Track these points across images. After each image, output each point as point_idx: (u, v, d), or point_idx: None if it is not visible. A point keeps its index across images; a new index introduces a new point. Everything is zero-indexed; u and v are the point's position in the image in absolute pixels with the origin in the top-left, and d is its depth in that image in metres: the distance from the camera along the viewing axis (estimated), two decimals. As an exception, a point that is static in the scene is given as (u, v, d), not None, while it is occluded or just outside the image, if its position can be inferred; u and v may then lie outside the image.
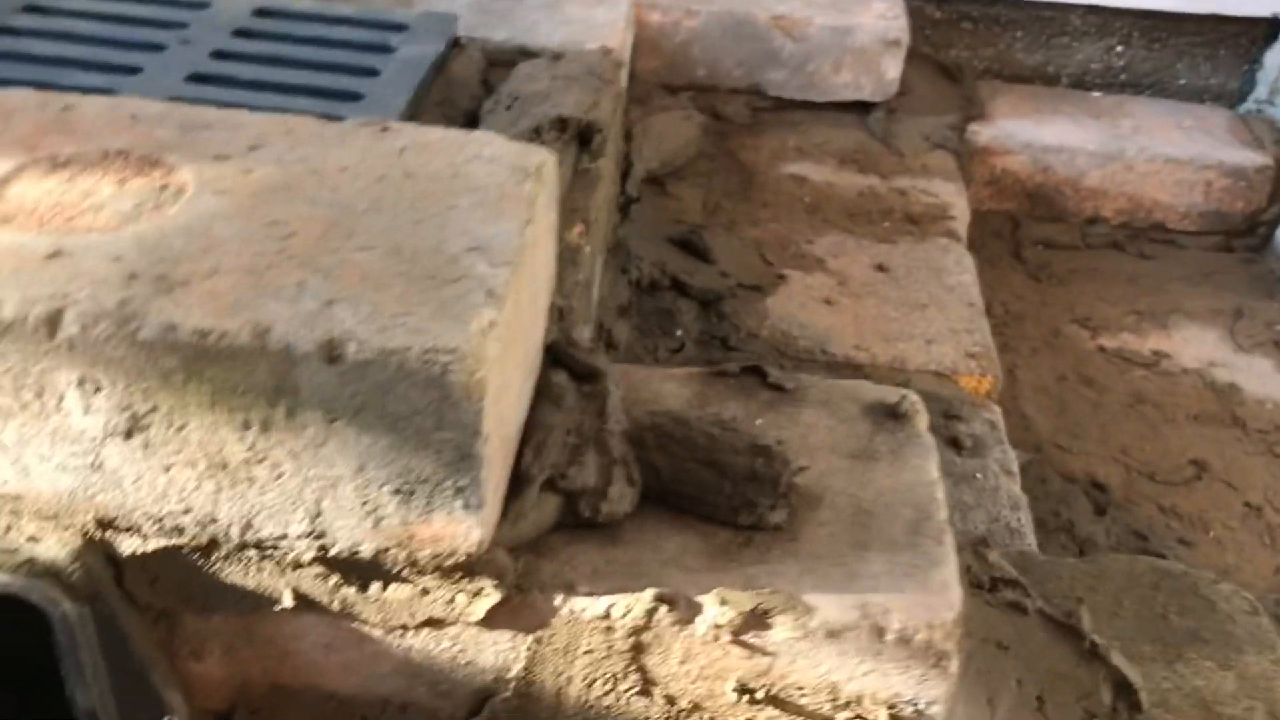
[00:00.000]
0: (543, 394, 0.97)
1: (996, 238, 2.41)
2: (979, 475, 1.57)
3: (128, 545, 0.86)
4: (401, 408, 0.78)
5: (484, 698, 0.93)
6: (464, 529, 0.83)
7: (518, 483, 0.90)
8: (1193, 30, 2.53)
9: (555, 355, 1.01)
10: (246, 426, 0.79)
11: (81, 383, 0.78)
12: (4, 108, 0.97)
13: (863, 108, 2.33)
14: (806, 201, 2.11)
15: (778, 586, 0.87)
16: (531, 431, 0.93)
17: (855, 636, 0.86)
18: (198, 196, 0.88)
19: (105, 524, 0.85)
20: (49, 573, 0.84)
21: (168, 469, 0.82)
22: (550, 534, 0.92)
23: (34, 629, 1.12)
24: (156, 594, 0.88)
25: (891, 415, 1.05)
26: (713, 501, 0.93)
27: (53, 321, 0.77)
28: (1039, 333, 2.20)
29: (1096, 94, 2.56)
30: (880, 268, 1.97)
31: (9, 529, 0.85)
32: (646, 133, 2.11)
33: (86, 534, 0.85)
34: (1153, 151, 2.36)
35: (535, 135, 1.28)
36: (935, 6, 2.54)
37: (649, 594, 0.87)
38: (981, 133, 2.37)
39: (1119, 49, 2.56)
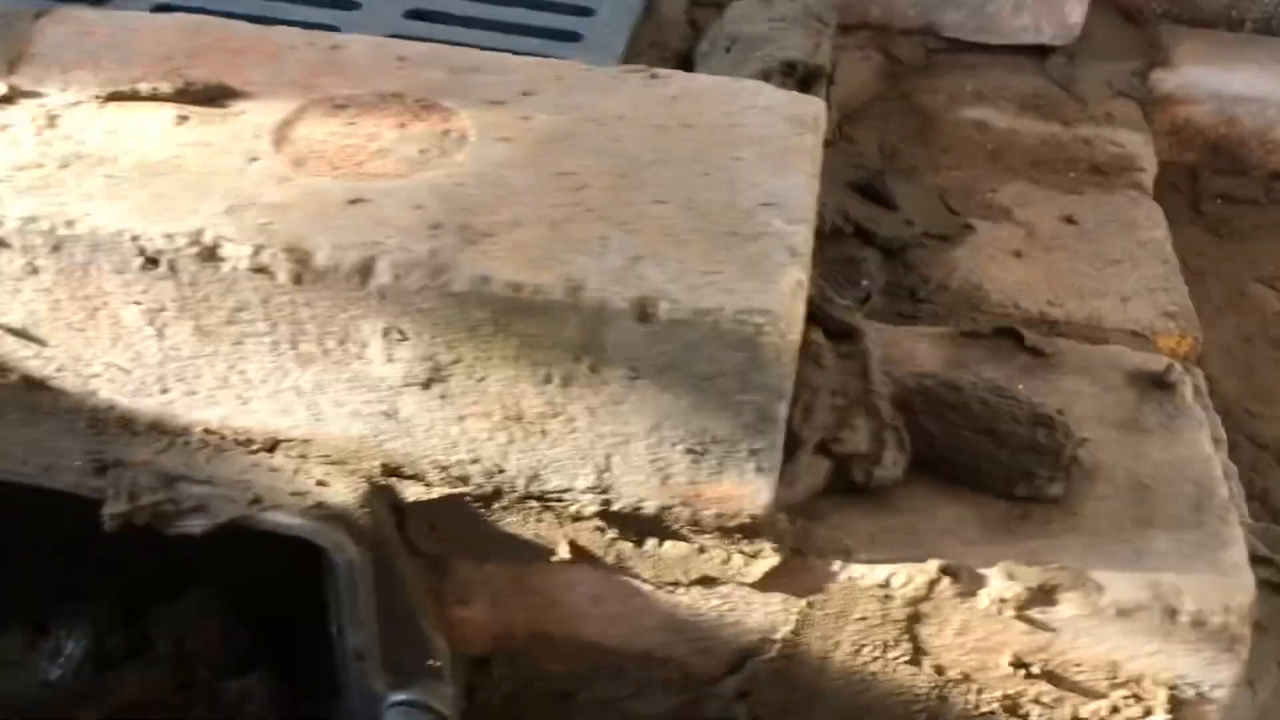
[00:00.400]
0: (803, 354, 0.95)
1: (1174, 190, 2.31)
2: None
3: (412, 493, 0.86)
4: (707, 368, 0.76)
5: (745, 657, 0.92)
6: (752, 491, 0.82)
7: (791, 444, 0.88)
8: (1397, -29, 2.38)
9: (810, 311, 0.98)
10: (547, 381, 0.78)
11: (387, 332, 0.78)
12: (274, 45, 0.97)
13: (1041, 52, 2.24)
14: (988, 148, 2.04)
15: (1063, 562, 0.85)
16: (799, 391, 0.91)
17: (1145, 616, 0.84)
18: (481, 144, 0.87)
19: (391, 471, 0.85)
20: (336, 516, 0.84)
21: (461, 419, 0.81)
22: (819, 499, 0.90)
23: (278, 562, 1.14)
24: (434, 541, 0.89)
25: (1157, 385, 1.01)
26: (988, 471, 0.91)
27: (365, 270, 0.76)
28: (1222, 291, 2.11)
29: (1286, 40, 2.43)
30: (1069, 220, 1.90)
31: (297, 471, 0.86)
32: (823, 74, 2.05)
33: (372, 480, 0.85)
34: (1352, 102, 2.24)
35: (764, 80, 1.24)
36: (1117, -54, 2.42)
37: (933, 565, 0.85)
38: (1165, 80, 2.26)
39: (1312, -8, 2.42)
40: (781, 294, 0.76)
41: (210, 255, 0.77)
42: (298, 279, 0.76)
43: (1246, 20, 2.49)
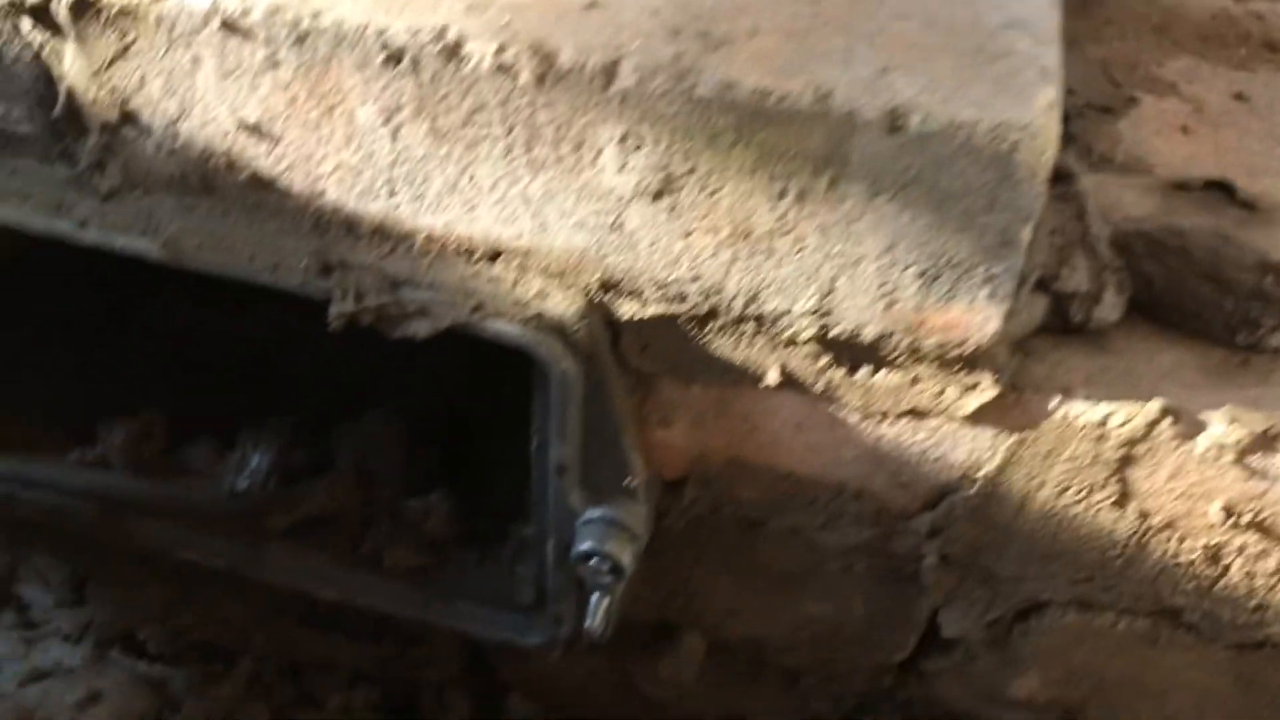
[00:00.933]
0: (1015, 191, 0.92)
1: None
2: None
3: (627, 309, 0.86)
4: (953, 185, 0.75)
5: (943, 494, 0.92)
6: (981, 319, 0.80)
7: (1009, 279, 0.86)
8: None
9: (1021, 153, 0.96)
10: (782, 196, 0.77)
11: (624, 138, 0.77)
12: None
13: (1215, -78, 2.14)
14: (1154, 21, 1.96)
15: (1291, 411, 0.83)
16: (1014, 228, 0.89)
17: (1373, 469, 0.82)
18: (712, -45, 0.85)
19: (610, 286, 0.85)
20: (554, 328, 0.85)
21: (688, 234, 0.81)
22: (1035, 336, 0.88)
23: (451, 387, 1.16)
24: (644, 360, 0.89)
25: (1381, 243, 0.97)
26: (1209, 318, 0.89)
27: (609, 72, 0.75)
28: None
29: None
30: (1238, 96, 1.82)
31: (517, 282, 0.86)
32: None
33: (590, 295, 0.86)
34: None
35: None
36: None
37: (1155, 405, 0.83)
38: (1346, -44, 2.15)
39: None
40: (1037, 111, 0.73)
41: (453, 53, 0.76)
42: (540, 79, 0.76)
43: None
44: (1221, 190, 1.01)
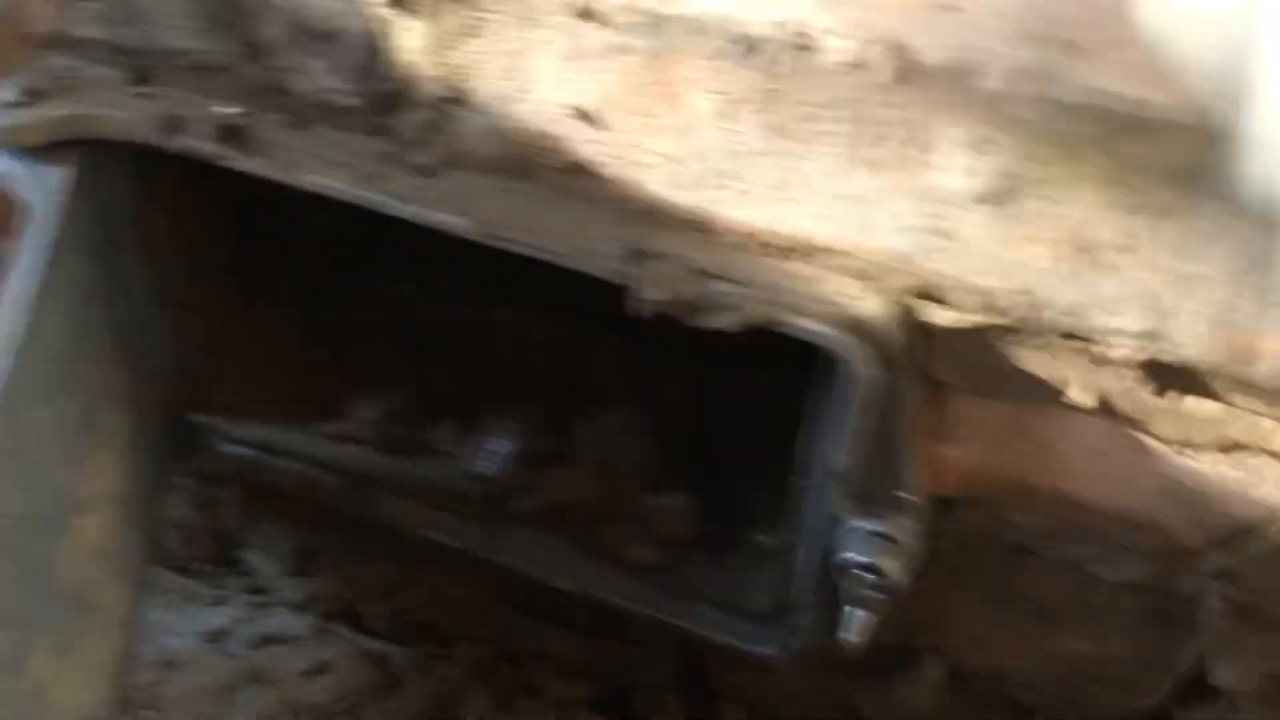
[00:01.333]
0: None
1: None
2: None
3: (943, 318, 0.85)
4: (1322, 210, 0.72)
5: (1241, 533, 0.89)
6: (1324, 354, 0.78)
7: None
8: None
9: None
10: (1137, 210, 0.76)
11: (978, 141, 0.77)
12: None
13: None
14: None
15: None
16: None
17: None
18: (1055, -33, 0.84)
19: (926, 293, 0.84)
20: (866, 333, 0.84)
21: (1025, 244, 0.80)
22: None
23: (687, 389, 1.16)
24: (948, 371, 0.88)
25: None
26: None
27: (974, 72, 0.75)
28: None
29: None
30: None
31: (830, 282, 0.86)
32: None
33: (904, 300, 0.85)
34: None
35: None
36: None
37: None
38: None
39: None
40: None
41: (812, 47, 0.76)
42: (901, 77, 0.76)
43: None
44: None
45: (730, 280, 0.87)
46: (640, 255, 0.88)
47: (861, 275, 0.85)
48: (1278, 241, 0.75)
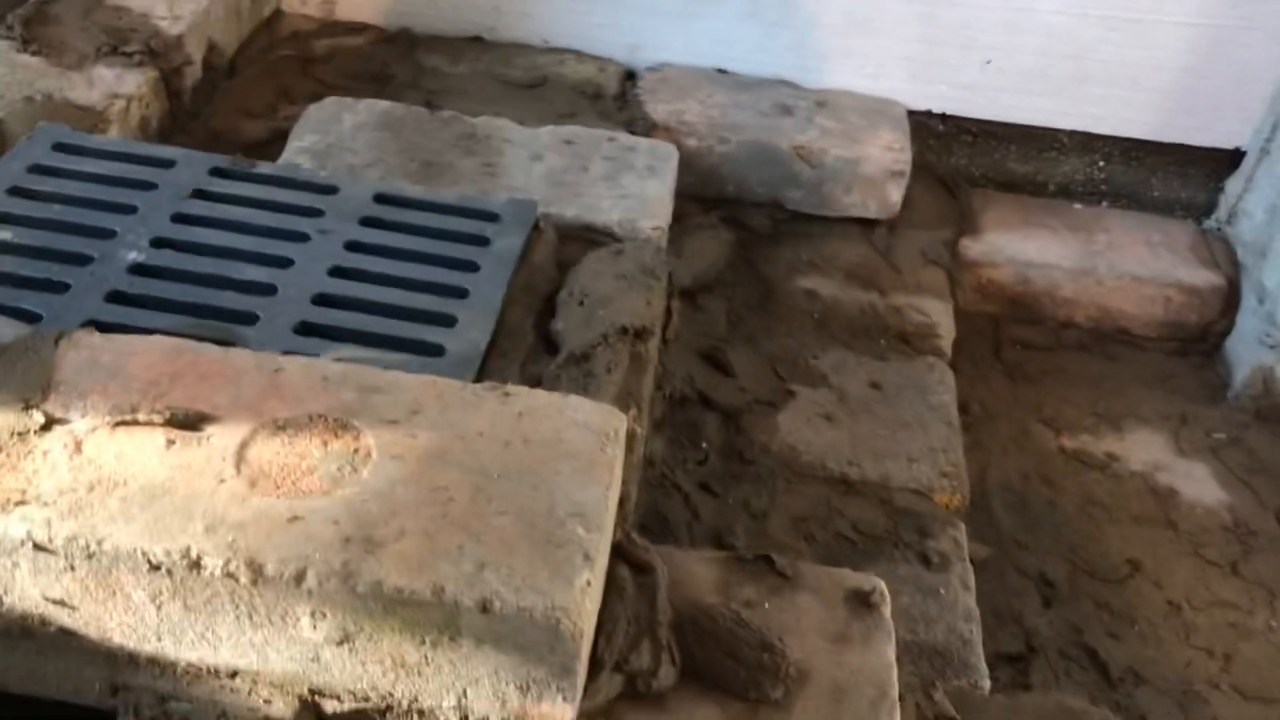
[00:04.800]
0: (610, 586, 1.35)
1: (979, 336, 2.78)
2: (942, 590, 1.95)
3: (330, 706, 1.25)
4: (526, 640, 1.16)
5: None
6: (561, 711, 1.22)
7: (595, 665, 1.28)
8: (1166, 153, 2.87)
9: (619, 551, 1.39)
10: (422, 643, 1.18)
11: (313, 613, 1.17)
12: (233, 369, 1.35)
13: (869, 223, 2.69)
14: (815, 317, 2.48)
15: (775, 749, 1.27)
16: (603, 621, 1.31)
17: (829, 787, 1.26)
18: (380, 462, 1.27)
19: (316, 693, 1.24)
20: (278, 725, 1.23)
21: (364, 664, 1.21)
22: (615, 701, 1.31)
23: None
24: (345, 738, 1.28)
25: (864, 603, 1.44)
26: (731, 682, 1.32)
27: (299, 577, 1.15)
28: (1010, 432, 2.57)
29: (1078, 206, 2.91)
30: (875, 385, 2.34)
31: (250, 693, 1.24)
32: (681, 251, 2.47)
33: (302, 699, 1.24)
34: (1121, 269, 2.72)
35: (604, 340, 1.65)
36: (939, 122, 2.89)
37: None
38: (972, 247, 2.73)
39: (1101, 164, 2.91)
40: (575, 594, 1.16)
41: (196, 565, 1.15)
42: (254, 582, 1.15)
43: (1050, 184, 2.97)
44: (766, 561, 1.46)
45: (182, 699, 1.24)
46: (116, 688, 1.24)
47: (272, 686, 1.24)
48: (512, 658, 1.18)
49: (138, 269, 1.70)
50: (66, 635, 1.23)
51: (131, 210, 1.80)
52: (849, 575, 1.48)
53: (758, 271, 2.57)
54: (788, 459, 2.16)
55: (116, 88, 2.15)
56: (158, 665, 1.24)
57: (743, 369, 2.33)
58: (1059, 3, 2.66)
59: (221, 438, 1.27)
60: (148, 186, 1.85)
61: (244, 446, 1.27)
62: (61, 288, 1.65)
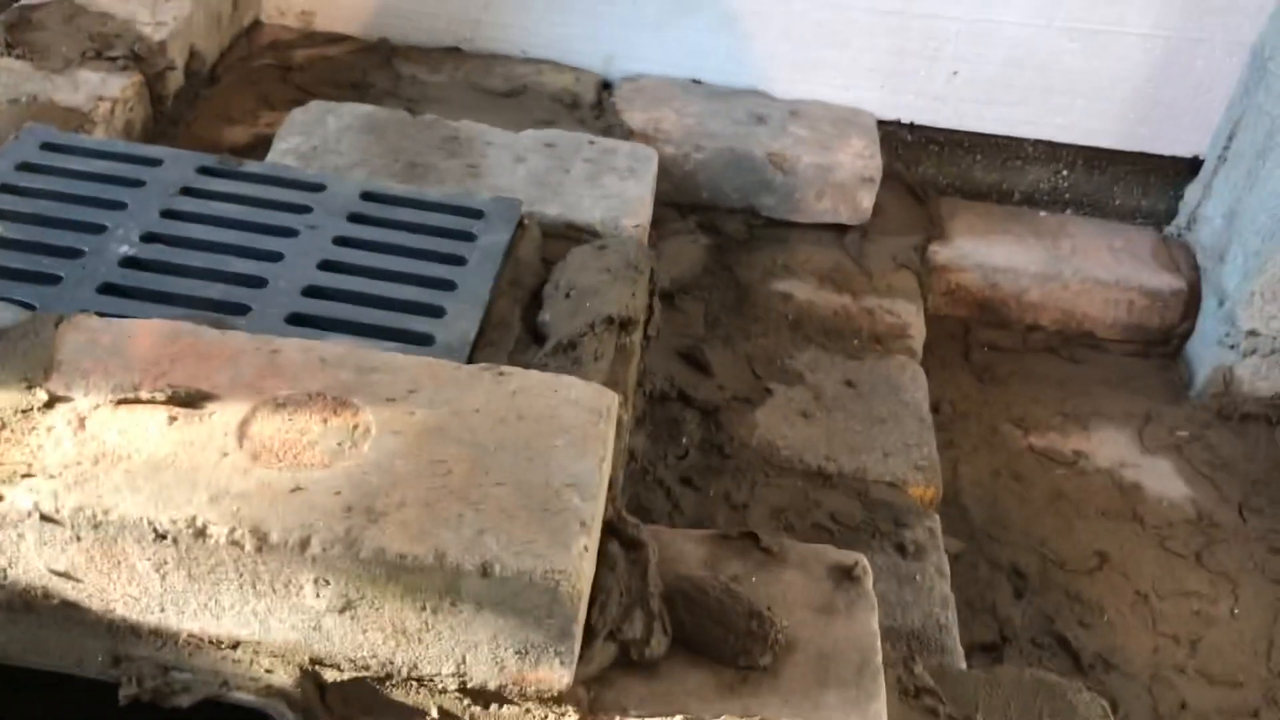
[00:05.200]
0: (602, 560, 1.39)
1: (949, 339, 2.84)
2: (918, 577, 2.00)
3: (330, 676, 1.27)
4: (525, 603, 1.20)
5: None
6: (559, 675, 1.25)
7: (589, 634, 1.32)
8: (1127, 162, 2.96)
9: (610, 528, 1.43)
10: (423, 609, 1.21)
11: (316, 580, 1.20)
12: (231, 349, 1.38)
13: (841, 228, 2.75)
14: (790, 318, 2.53)
15: (764, 714, 1.30)
16: (596, 593, 1.35)
17: (817, 751, 1.30)
18: (380, 437, 1.30)
19: (316, 662, 1.26)
20: (279, 693, 1.26)
21: (365, 631, 1.23)
22: (609, 670, 1.34)
23: None
24: (346, 707, 1.30)
25: (848, 576, 1.48)
26: (720, 650, 1.36)
27: (303, 544, 1.18)
28: (980, 431, 2.63)
29: (1043, 213, 2.99)
30: (849, 383, 2.40)
31: (252, 663, 1.27)
32: (660, 255, 2.52)
33: (303, 668, 1.27)
34: (1085, 273, 2.79)
35: (590, 329, 1.69)
36: (907, 131, 2.96)
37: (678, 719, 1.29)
38: (940, 252, 2.80)
39: (1064, 172, 2.98)
40: (573, 558, 1.20)
41: (201, 534, 1.18)
42: (259, 549, 1.18)
43: (1015, 192, 3.05)
44: (751, 539, 1.50)
45: (184, 670, 1.26)
46: (119, 659, 1.26)
47: (273, 655, 1.27)
48: (511, 622, 1.21)
49: (129, 262, 1.72)
50: (69, 607, 1.25)
51: (121, 206, 1.82)
52: (830, 551, 1.52)
53: (734, 275, 2.62)
54: (766, 454, 2.20)
55: (101, 91, 2.17)
56: (160, 636, 1.26)
57: (721, 368, 2.37)
58: (1024, 15, 2.74)
59: (223, 414, 1.30)
60: (136, 184, 1.87)
61: (245, 423, 1.29)
62: (54, 280, 1.67)
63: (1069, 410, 2.70)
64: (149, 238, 1.77)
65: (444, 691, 1.28)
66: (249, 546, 1.18)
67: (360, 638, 1.24)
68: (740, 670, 1.36)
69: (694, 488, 2.10)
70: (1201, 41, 2.73)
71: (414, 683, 1.27)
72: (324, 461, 1.26)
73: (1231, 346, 2.63)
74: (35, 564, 1.22)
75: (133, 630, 1.26)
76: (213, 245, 1.78)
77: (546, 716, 1.30)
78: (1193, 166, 2.92)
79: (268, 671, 1.27)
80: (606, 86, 2.86)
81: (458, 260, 1.81)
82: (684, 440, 2.22)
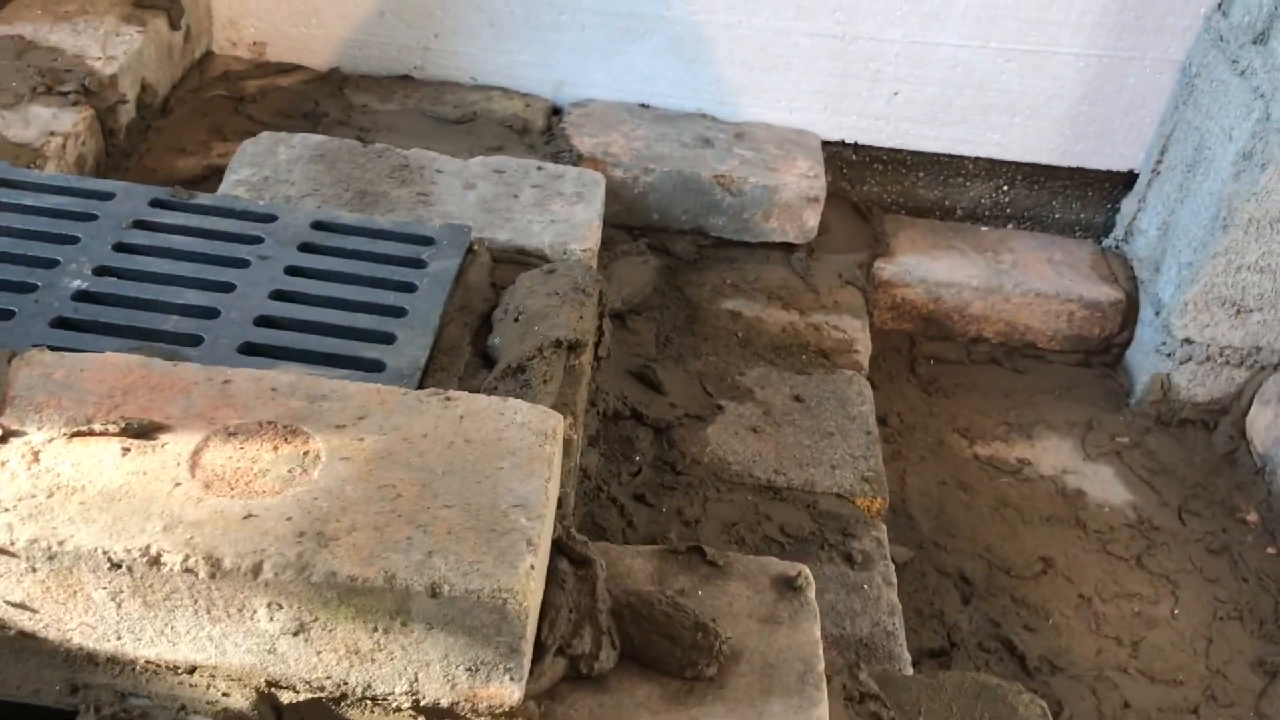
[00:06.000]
0: (551, 578, 1.43)
1: (895, 353, 2.91)
2: (866, 586, 2.05)
3: (286, 697, 1.30)
4: (474, 622, 1.23)
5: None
6: (509, 691, 1.29)
7: (539, 650, 1.36)
8: (1065, 177, 3.04)
9: (559, 546, 1.47)
10: (375, 630, 1.24)
11: (270, 605, 1.23)
12: (183, 381, 1.41)
13: (788, 247, 2.81)
14: (740, 336, 2.59)
15: (711, 723, 1.35)
16: (546, 610, 1.39)
17: (760, 756, 1.34)
18: (329, 463, 1.33)
19: (272, 684, 1.30)
20: (237, 716, 1.28)
21: (319, 653, 1.27)
22: (559, 684, 1.38)
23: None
24: (301, 727, 1.33)
25: (791, 586, 1.53)
26: (667, 662, 1.40)
27: (256, 569, 1.21)
28: (926, 442, 2.70)
29: (984, 228, 3.07)
30: (797, 398, 2.45)
31: (209, 687, 1.29)
32: (611, 276, 2.57)
33: (260, 690, 1.30)
34: (1026, 286, 2.86)
35: (539, 352, 1.73)
36: (851, 151, 3.02)
37: (627, 729, 1.33)
38: (885, 269, 2.86)
39: (1005, 189, 3.06)
40: (519, 576, 1.24)
41: (155, 562, 1.21)
42: (212, 575, 1.21)
43: (957, 208, 3.12)
44: (698, 553, 1.54)
45: (141, 696, 1.29)
46: (76, 688, 1.28)
47: (230, 679, 1.30)
48: (461, 640, 1.25)
49: (82, 296, 1.75)
50: (26, 638, 1.28)
51: (74, 240, 1.85)
52: (774, 563, 1.57)
53: (684, 295, 2.67)
54: (717, 469, 2.25)
55: (53, 126, 2.19)
56: (117, 663, 1.29)
57: (672, 386, 2.42)
58: (961, 37, 2.81)
59: (175, 445, 1.33)
60: (88, 218, 1.90)
61: (197, 452, 1.33)
62: (6, 315, 1.70)
63: (1013, 420, 2.76)
64: (101, 271, 1.80)
65: (398, 710, 1.31)
66: (203, 573, 1.21)
67: (315, 659, 1.27)
68: (687, 681, 1.40)
69: (647, 504, 2.15)
70: (1133, 60, 2.82)
71: (369, 702, 1.31)
72: (275, 489, 1.29)
73: (1168, 355, 2.71)
74: (-9, 596, 1.24)
75: (90, 658, 1.28)
76: (165, 277, 1.80)
77: (501, 734, 1.33)
78: (1128, 180, 3.01)
79: (225, 695, 1.30)
80: (556, 112, 2.91)
81: (408, 287, 1.85)
82: (637, 458, 2.26)
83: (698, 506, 2.15)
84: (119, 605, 1.24)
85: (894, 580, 2.09)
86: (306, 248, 1.91)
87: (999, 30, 2.80)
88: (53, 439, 1.31)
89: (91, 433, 1.32)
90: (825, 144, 2.94)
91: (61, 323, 1.70)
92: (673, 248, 2.77)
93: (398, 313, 1.79)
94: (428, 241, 1.95)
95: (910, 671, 1.88)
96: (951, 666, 2.17)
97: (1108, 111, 2.90)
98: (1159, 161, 2.85)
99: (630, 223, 2.76)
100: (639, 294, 2.62)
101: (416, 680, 1.28)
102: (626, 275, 2.62)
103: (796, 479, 2.25)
